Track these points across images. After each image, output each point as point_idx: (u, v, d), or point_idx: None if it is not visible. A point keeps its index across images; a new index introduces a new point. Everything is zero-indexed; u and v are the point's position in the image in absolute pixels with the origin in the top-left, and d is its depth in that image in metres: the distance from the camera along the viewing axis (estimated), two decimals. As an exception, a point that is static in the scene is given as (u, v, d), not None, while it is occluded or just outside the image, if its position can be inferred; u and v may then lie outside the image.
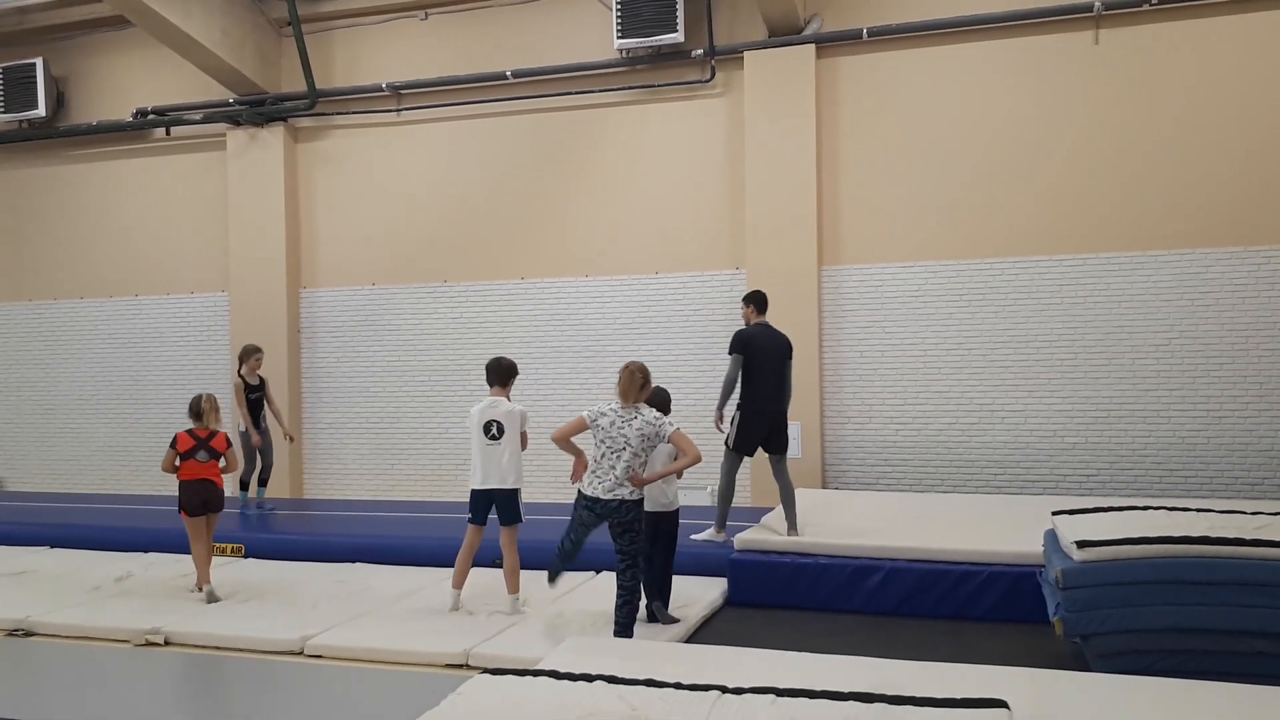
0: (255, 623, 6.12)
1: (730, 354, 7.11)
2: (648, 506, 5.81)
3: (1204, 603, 4.61)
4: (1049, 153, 8.96)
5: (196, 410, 6.90)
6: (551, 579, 5.76)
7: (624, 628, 5.50)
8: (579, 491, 5.52)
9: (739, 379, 7.07)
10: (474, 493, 6.34)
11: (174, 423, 11.33)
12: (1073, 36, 8.91)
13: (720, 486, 7.24)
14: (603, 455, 5.40)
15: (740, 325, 7.45)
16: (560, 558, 5.69)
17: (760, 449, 7.22)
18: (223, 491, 7.04)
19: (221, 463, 6.92)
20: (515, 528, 6.34)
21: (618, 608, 5.51)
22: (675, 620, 5.97)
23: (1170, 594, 4.65)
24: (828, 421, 9.48)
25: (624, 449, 5.35)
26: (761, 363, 7.04)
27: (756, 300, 7.33)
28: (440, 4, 10.77)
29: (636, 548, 5.47)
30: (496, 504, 6.30)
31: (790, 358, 7.24)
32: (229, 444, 7.03)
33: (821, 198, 9.48)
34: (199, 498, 6.86)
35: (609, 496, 5.35)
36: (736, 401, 7.13)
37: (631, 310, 10.14)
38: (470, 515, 6.37)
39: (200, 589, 6.79)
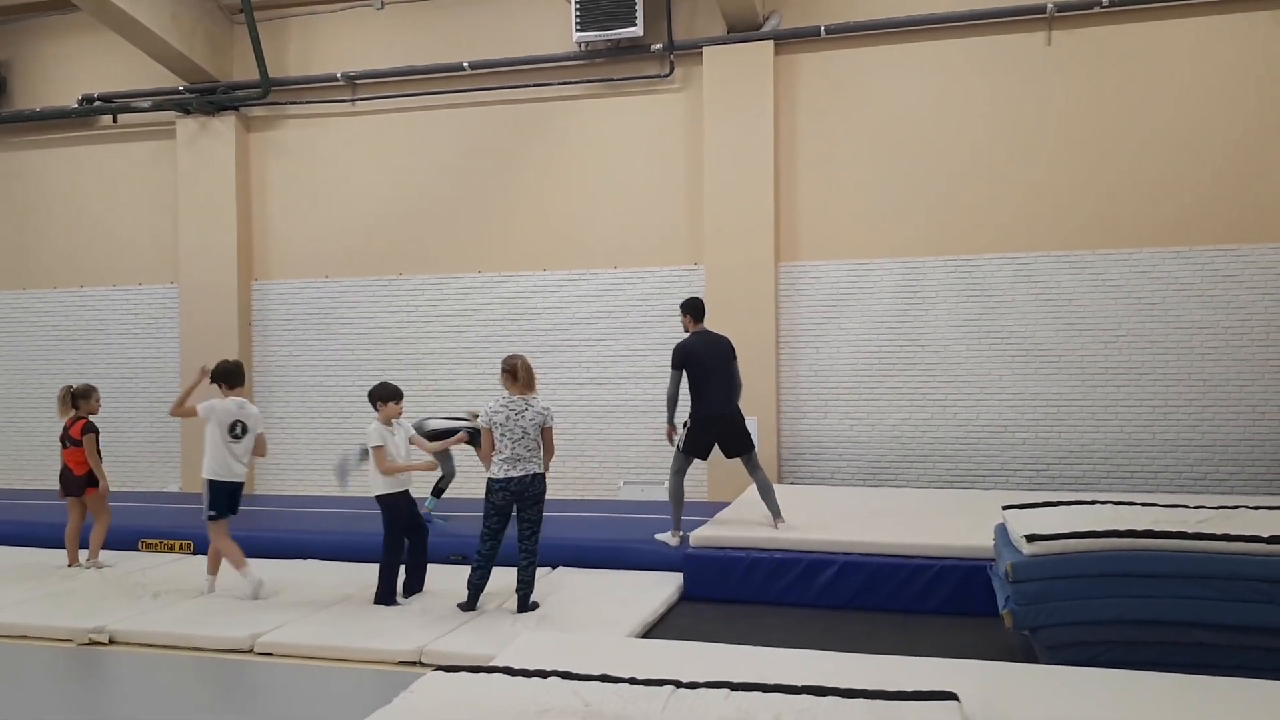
0: (203, 620, 6.02)
1: (672, 369, 7.07)
2: (382, 490, 6.41)
3: (1148, 595, 4.71)
4: (1002, 152, 9.08)
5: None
6: (473, 603, 6.10)
7: (530, 586, 6.10)
8: (491, 482, 6.05)
9: (683, 389, 7.06)
10: (228, 484, 6.67)
11: (120, 417, 11.15)
12: (1026, 37, 9.03)
13: (671, 488, 7.20)
14: (507, 445, 6.00)
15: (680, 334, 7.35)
16: (480, 572, 6.11)
17: (723, 455, 7.22)
18: (79, 478, 7.57)
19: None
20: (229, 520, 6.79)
21: (524, 568, 6.08)
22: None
23: (1116, 586, 4.74)
24: (784, 417, 9.53)
25: (523, 436, 6.01)
26: (706, 371, 7.01)
27: (693, 309, 7.24)
28: (396, -7, 10.65)
29: (540, 516, 6.15)
30: (235, 497, 6.75)
31: (734, 358, 7.19)
32: (84, 431, 7.59)
33: (779, 194, 9.52)
34: (61, 482, 7.68)
35: (522, 473, 6.01)
36: (688, 409, 7.11)
37: (589, 305, 10.11)
38: (217, 511, 6.67)
39: (69, 565, 7.58)
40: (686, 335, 7.19)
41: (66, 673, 5.48)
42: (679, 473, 7.15)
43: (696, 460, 7.29)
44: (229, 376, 6.78)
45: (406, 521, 6.49)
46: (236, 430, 6.69)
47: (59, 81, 11.59)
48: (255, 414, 6.84)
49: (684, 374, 7.02)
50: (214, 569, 6.83)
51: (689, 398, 7.09)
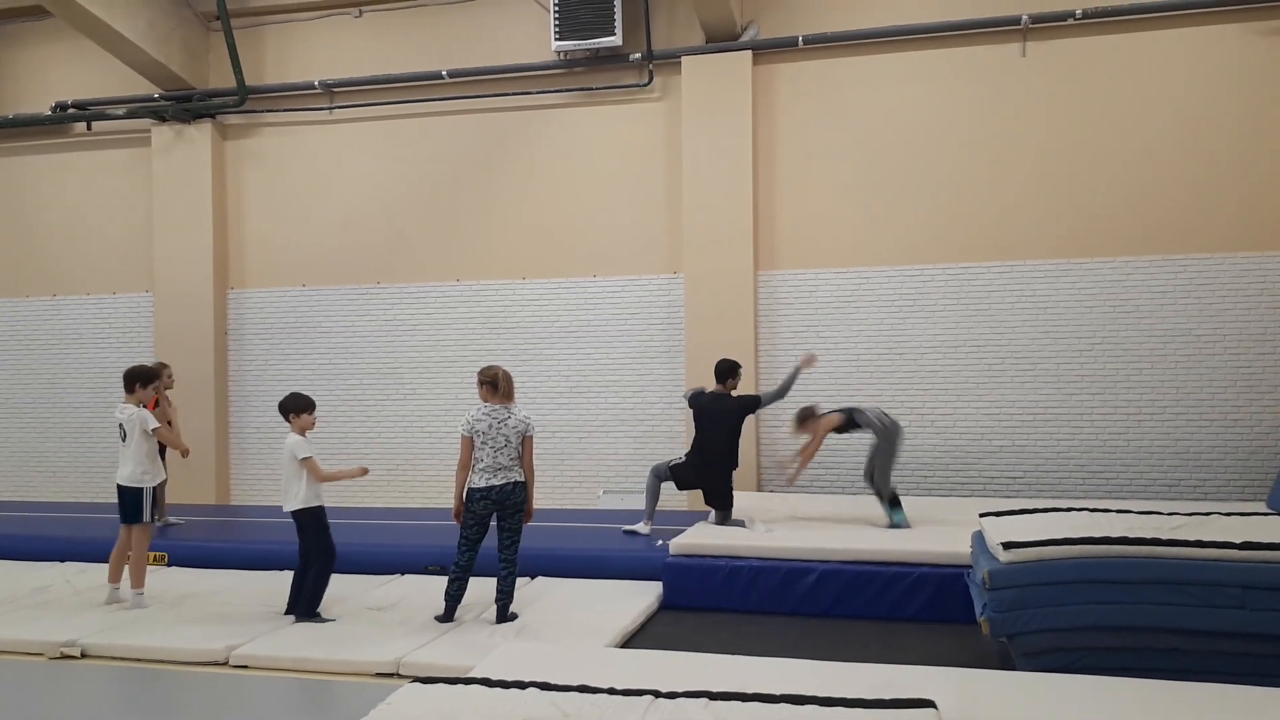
0: (177, 633, 5.95)
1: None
2: (311, 502, 6.28)
3: (1123, 601, 4.74)
4: (978, 161, 9.16)
5: None
6: (450, 615, 6.08)
7: (510, 597, 6.10)
8: (471, 491, 6.03)
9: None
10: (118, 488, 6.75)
11: (95, 427, 11.04)
12: (1001, 48, 9.12)
13: (648, 481, 7.84)
14: (487, 453, 5.99)
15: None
16: (457, 584, 6.10)
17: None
18: None
19: None
20: (144, 527, 6.69)
21: (503, 579, 6.07)
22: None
23: (1091, 593, 4.77)
24: (762, 425, 9.55)
25: (505, 445, 6.00)
26: (701, 426, 7.69)
27: (716, 371, 7.84)
28: (375, 1, 10.61)
29: (520, 525, 6.14)
30: (120, 501, 6.67)
31: (740, 417, 7.75)
32: (156, 405, 7.88)
33: (758, 203, 9.56)
34: None
35: (503, 482, 5.99)
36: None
37: (569, 314, 10.10)
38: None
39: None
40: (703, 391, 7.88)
41: (37, 687, 5.40)
42: (658, 476, 7.78)
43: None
44: (125, 382, 6.80)
45: (328, 532, 6.34)
46: (121, 434, 6.70)
47: (32, 88, 11.49)
48: (131, 414, 6.66)
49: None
50: (116, 576, 6.79)
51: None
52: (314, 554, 6.31)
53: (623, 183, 9.96)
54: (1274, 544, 4.70)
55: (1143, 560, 4.76)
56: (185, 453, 7.56)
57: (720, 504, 7.59)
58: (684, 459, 7.74)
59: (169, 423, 7.82)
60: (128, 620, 6.27)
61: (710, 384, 7.89)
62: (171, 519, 8.88)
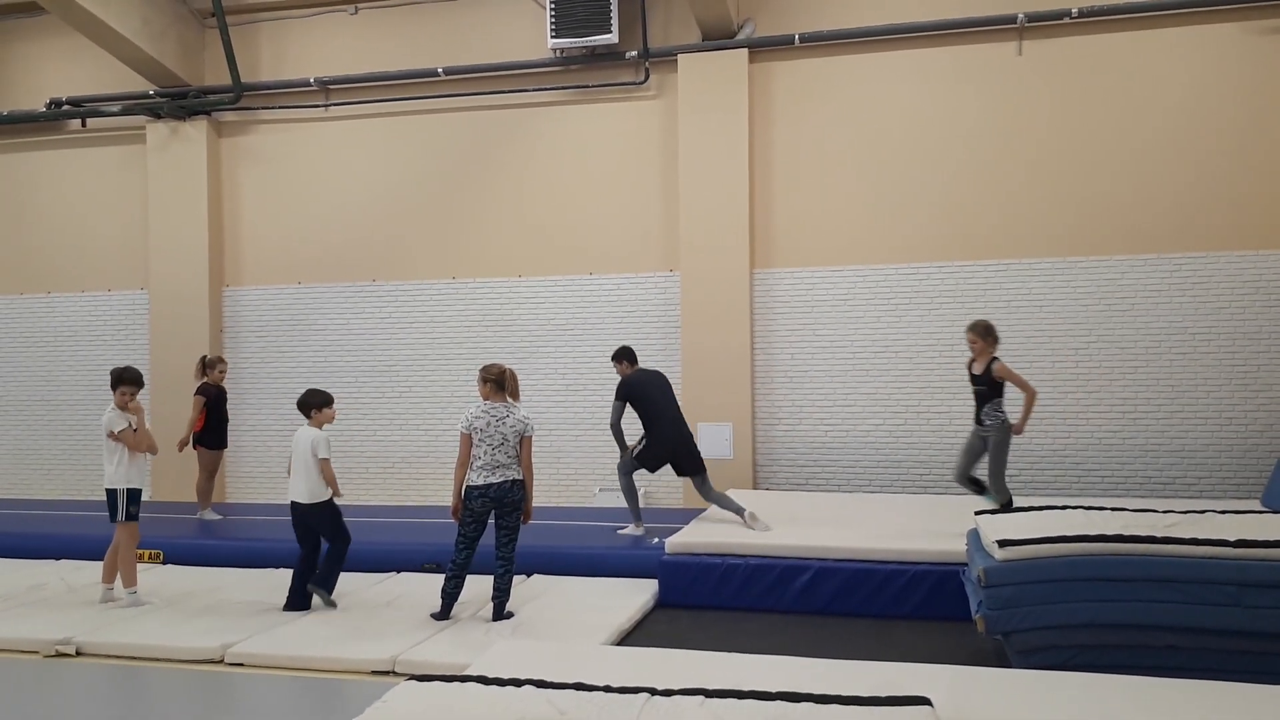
0: (173, 631, 5.94)
1: (615, 400, 7.56)
2: (322, 496, 6.43)
3: (1118, 598, 4.76)
4: (974, 160, 9.16)
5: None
6: (446, 613, 6.10)
7: (507, 595, 6.12)
8: (469, 489, 6.04)
9: (634, 418, 7.56)
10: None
11: (89, 424, 11.00)
12: (998, 47, 9.13)
13: (622, 486, 7.68)
14: (485, 451, 5.99)
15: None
16: (454, 581, 6.11)
17: (675, 473, 7.71)
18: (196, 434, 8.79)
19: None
20: (127, 526, 6.62)
21: (500, 576, 6.10)
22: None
23: (1087, 591, 4.79)
24: (759, 422, 9.55)
25: (503, 443, 6.00)
26: (653, 401, 7.51)
27: (628, 355, 7.72)
28: (370, -2, 10.61)
29: (518, 523, 6.15)
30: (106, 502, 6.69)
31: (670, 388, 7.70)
32: (195, 393, 8.75)
33: (754, 201, 9.56)
34: None
35: (501, 479, 5.98)
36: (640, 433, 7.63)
37: (565, 311, 10.10)
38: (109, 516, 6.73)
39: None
40: (630, 373, 7.65)
41: (31, 685, 5.38)
42: (627, 472, 7.63)
43: (669, 467, 7.63)
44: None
45: (341, 519, 6.58)
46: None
47: (27, 85, 11.45)
48: (105, 417, 6.60)
49: (627, 405, 7.52)
50: (109, 577, 6.76)
51: (637, 424, 7.57)
52: (332, 538, 6.50)
53: (619, 180, 9.95)
54: (1268, 541, 4.72)
55: (1138, 558, 4.77)
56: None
57: (696, 468, 7.52)
58: (643, 444, 7.52)
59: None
60: (122, 618, 6.26)
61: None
62: (212, 513, 9.09)
